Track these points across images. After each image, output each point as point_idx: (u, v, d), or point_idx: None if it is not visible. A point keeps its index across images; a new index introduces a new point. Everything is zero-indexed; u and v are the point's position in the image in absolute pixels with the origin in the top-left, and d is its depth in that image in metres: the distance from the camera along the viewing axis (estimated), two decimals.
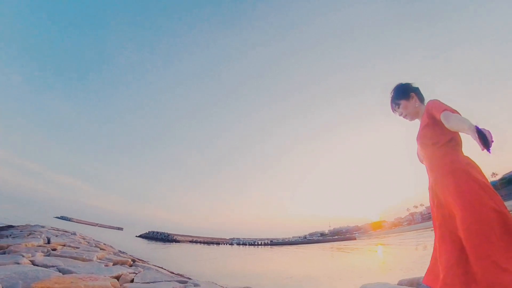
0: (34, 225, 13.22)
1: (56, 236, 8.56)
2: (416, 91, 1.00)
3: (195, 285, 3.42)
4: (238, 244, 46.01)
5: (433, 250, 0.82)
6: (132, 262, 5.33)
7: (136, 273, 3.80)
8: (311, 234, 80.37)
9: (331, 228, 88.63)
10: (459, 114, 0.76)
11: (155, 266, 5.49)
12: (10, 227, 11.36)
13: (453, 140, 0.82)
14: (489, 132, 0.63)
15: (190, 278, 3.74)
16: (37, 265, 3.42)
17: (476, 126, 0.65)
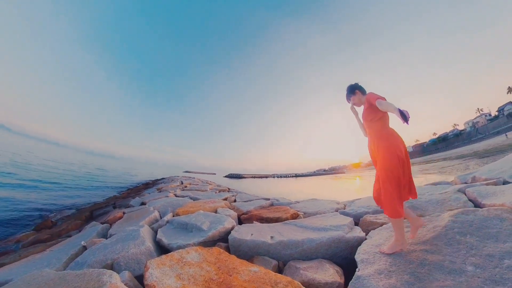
0: (174, 176, 22.04)
1: (186, 180, 13.62)
2: (359, 88, 1.58)
3: (276, 199, 4.22)
4: (277, 177, 66.61)
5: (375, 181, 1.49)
6: (228, 189, 7.93)
7: (235, 196, 5.12)
8: (317, 170, 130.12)
9: (330, 166, 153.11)
10: (386, 100, 1.30)
11: (241, 192, 7.37)
12: (162, 178, 19.37)
13: (383, 117, 1.39)
14: (407, 111, 1.06)
15: (268, 198, 4.60)
16: (178, 197, 5.46)
17: (398, 108, 1.10)
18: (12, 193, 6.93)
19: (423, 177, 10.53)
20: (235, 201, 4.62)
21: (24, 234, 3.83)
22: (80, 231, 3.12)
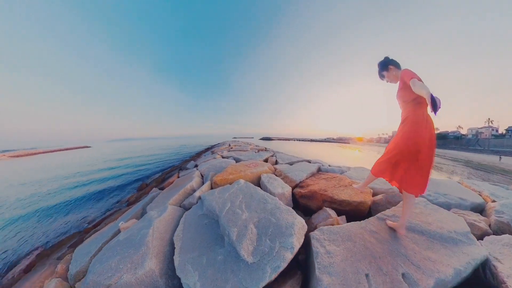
0: (225, 141, 24.75)
1: (232, 143, 15.12)
2: (392, 62, 1.35)
3: (320, 163, 3.73)
4: (297, 140, 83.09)
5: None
6: (265, 149, 7.84)
7: (274, 156, 4.80)
8: (327, 138, 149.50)
9: (337, 136, 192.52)
10: (422, 82, 1.09)
11: (279, 151, 6.96)
12: (217, 144, 22.33)
13: (417, 99, 1.17)
14: (439, 100, 0.92)
15: (309, 160, 4.05)
16: (223, 157, 5.79)
17: (431, 93, 0.93)
18: (127, 169, 10.03)
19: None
20: (276, 162, 4.20)
21: (132, 195, 5.23)
22: (147, 195, 3.30)
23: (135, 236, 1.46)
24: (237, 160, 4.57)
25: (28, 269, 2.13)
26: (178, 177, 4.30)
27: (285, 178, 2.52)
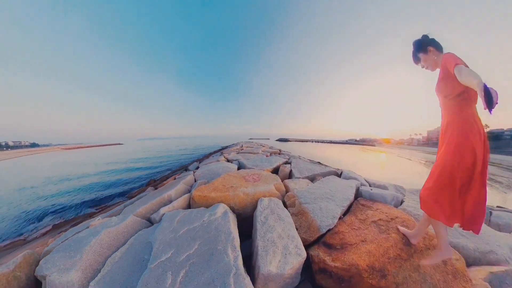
0: (240, 142, 24.36)
1: (245, 144, 14.34)
2: (433, 43, 1.01)
3: (347, 175, 2.76)
4: (315, 141, 75.01)
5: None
6: (279, 152, 6.70)
7: (289, 165, 3.65)
8: (349, 139, 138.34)
9: (360, 138, 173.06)
10: (468, 68, 0.79)
11: (294, 155, 5.77)
12: (232, 144, 22.03)
13: (464, 94, 0.87)
14: (496, 93, 0.64)
15: (339, 170, 3.07)
16: (229, 160, 5.01)
17: (484, 84, 0.65)
18: (142, 164, 10.68)
19: None
20: (291, 174, 3.02)
21: (136, 190, 5.15)
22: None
23: (82, 240, 1.26)
24: (241, 166, 3.68)
25: (43, 234, 2.71)
26: (175, 179, 3.68)
27: (301, 216, 1.43)
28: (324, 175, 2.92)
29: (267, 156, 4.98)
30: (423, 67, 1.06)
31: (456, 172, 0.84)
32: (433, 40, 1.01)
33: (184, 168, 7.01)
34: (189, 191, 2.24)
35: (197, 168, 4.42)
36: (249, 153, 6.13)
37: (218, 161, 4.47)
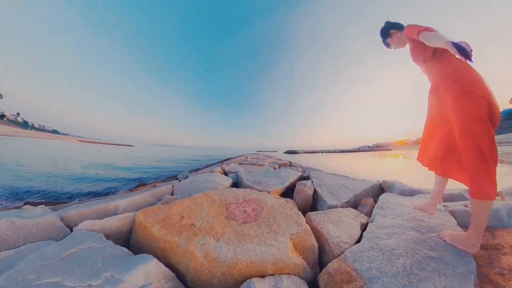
0: (246, 153, 23.65)
1: (250, 155, 13.29)
2: (393, 26, 1.11)
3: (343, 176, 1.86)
4: (325, 152, 76.75)
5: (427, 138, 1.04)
6: (290, 163, 5.52)
7: (303, 174, 2.64)
8: (362, 146, 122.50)
9: (374, 143, 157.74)
10: (434, 32, 0.85)
11: (311, 167, 4.63)
12: (238, 155, 21.26)
13: (441, 51, 0.89)
14: (466, 43, 0.71)
15: (380, 181, 2.08)
16: (225, 172, 3.93)
17: (451, 41, 0.71)
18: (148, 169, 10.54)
19: None
20: (314, 198, 1.87)
21: (123, 191, 4.63)
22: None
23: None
24: (237, 182, 2.67)
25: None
26: (154, 186, 2.99)
27: None
28: (367, 192, 1.83)
29: (274, 168, 3.91)
30: (395, 48, 1.13)
31: (482, 130, 0.71)
32: (392, 23, 1.10)
33: (175, 176, 6.11)
34: (153, 204, 1.60)
35: (186, 177, 3.50)
36: (252, 164, 5.10)
37: (212, 171, 3.51)
